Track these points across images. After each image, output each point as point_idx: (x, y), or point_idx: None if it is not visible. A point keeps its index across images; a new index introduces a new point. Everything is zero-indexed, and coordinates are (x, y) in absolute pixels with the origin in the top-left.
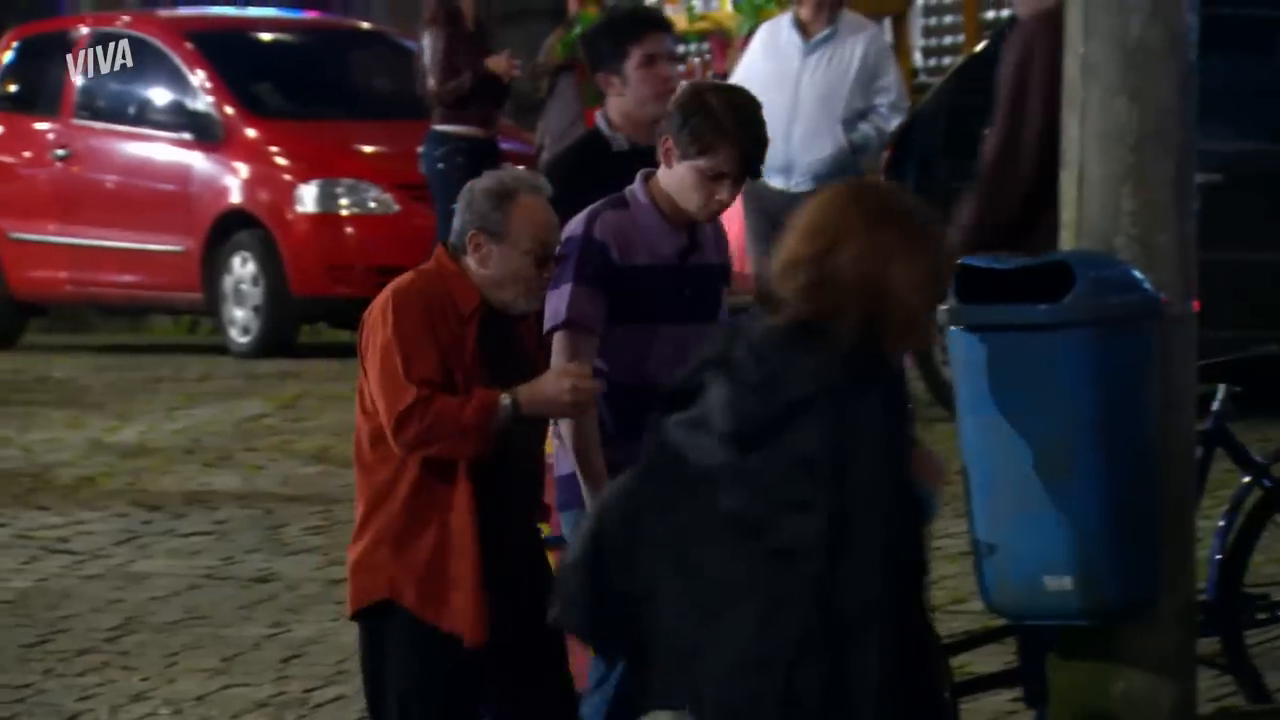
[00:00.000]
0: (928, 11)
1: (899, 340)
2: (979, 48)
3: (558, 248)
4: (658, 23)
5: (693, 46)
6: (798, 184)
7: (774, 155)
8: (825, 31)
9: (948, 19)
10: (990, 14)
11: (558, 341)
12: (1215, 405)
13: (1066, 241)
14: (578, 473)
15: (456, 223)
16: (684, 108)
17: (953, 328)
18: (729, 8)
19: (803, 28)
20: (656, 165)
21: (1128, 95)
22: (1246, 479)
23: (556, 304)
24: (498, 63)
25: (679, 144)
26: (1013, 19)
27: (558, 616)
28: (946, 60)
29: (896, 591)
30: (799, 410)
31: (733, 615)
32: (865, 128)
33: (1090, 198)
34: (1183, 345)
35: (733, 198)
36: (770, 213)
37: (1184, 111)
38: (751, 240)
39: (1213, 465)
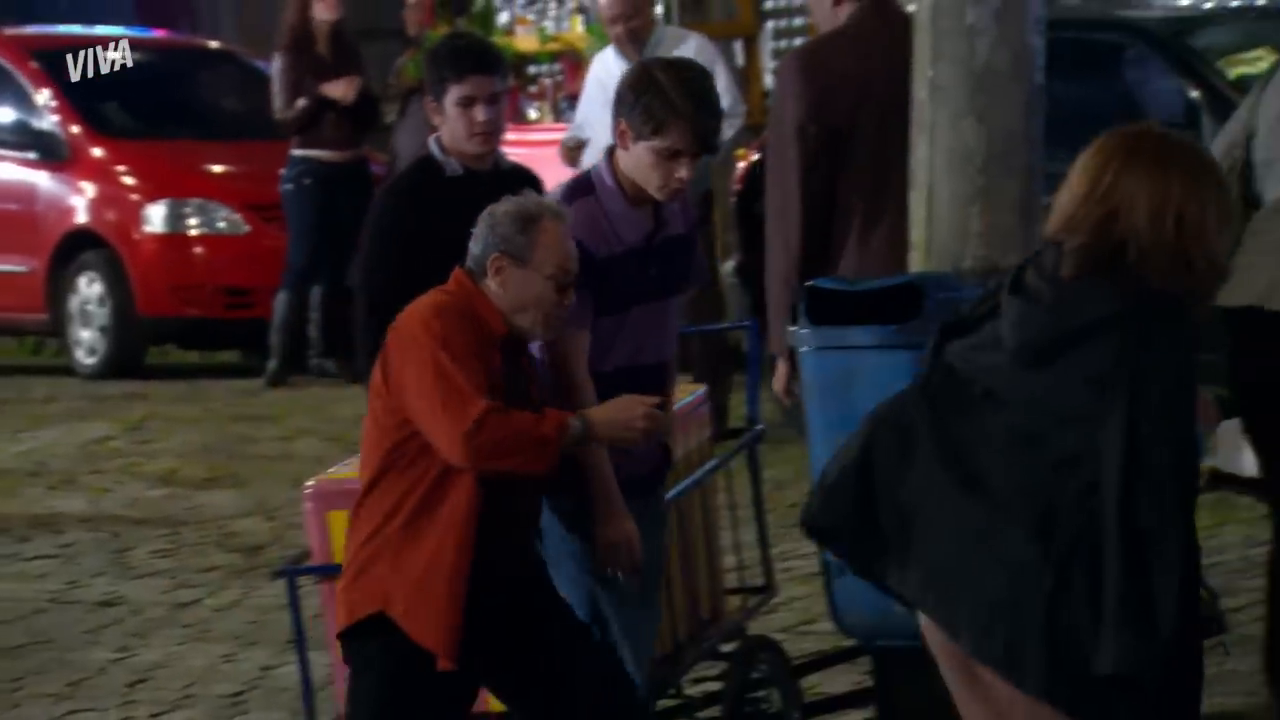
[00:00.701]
0: (778, 34)
1: (1200, 281)
2: None
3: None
4: (481, 64)
5: (545, 68)
6: None
7: None
8: (646, 51)
9: (798, 41)
10: None
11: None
12: None
13: (916, 262)
14: (593, 485)
15: (476, 247)
16: (634, 87)
17: (804, 349)
18: (580, 29)
19: (625, 54)
20: (489, 189)
21: (975, 117)
22: None
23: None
24: (334, 88)
25: (632, 125)
26: None
27: (812, 519)
28: None
29: (1187, 509)
30: (1095, 329)
31: (1008, 524)
32: None
33: (939, 219)
34: None
35: (692, 173)
36: None
37: (1030, 134)
38: None
39: None
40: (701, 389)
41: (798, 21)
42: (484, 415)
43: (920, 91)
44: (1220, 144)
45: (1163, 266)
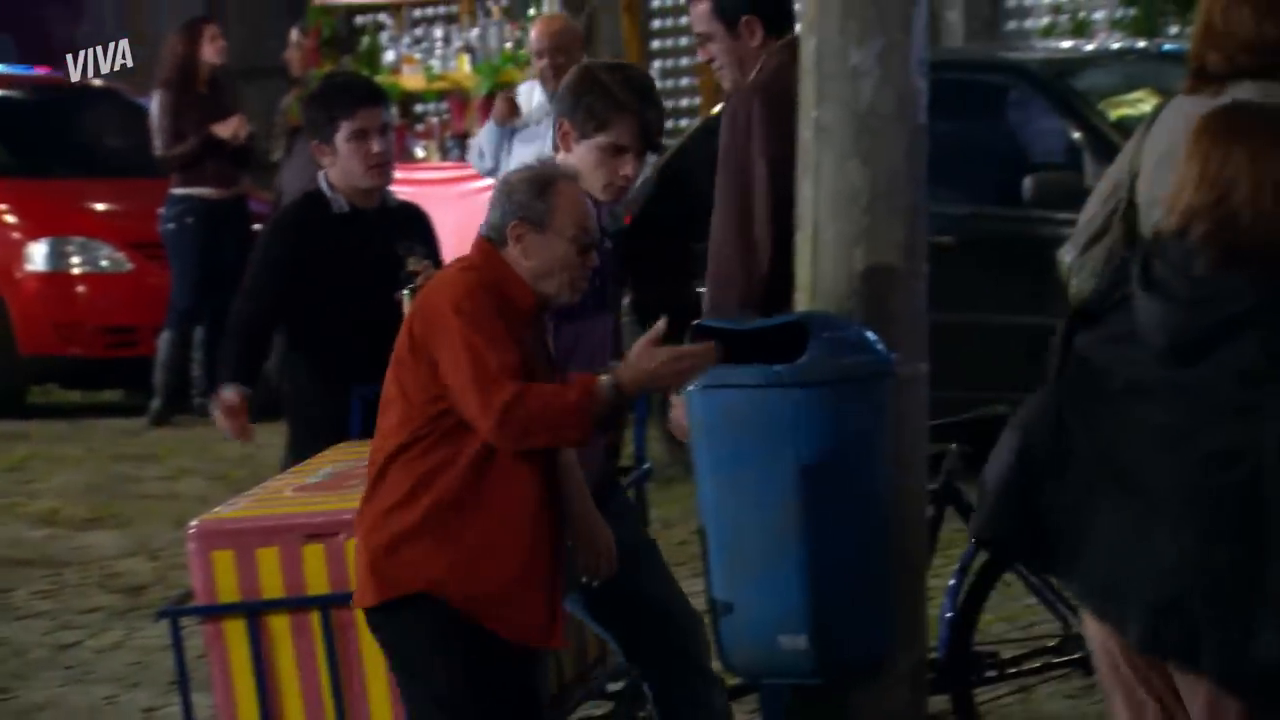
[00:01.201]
0: (665, 74)
1: None
2: (716, 110)
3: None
4: (370, 96)
5: (431, 106)
6: None
7: None
8: None
9: (684, 81)
10: None
11: None
12: (946, 465)
13: (802, 302)
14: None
15: (495, 215)
16: (575, 88)
17: (690, 388)
18: (467, 68)
19: (547, 89)
20: (374, 227)
21: (860, 158)
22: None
23: None
24: (224, 128)
25: (575, 125)
26: None
27: (982, 530)
28: (684, 122)
29: None
30: (1238, 323)
31: (1169, 519)
32: None
33: (824, 259)
34: (914, 405)
35: (636, 172)
36: None
37: (914, 174)
38: None
39: (943, 524)
40: None
41: (684, 61)
42: (513, 399)
43: (805, 133)
44: (1105, 185)
45: (1273, 238)
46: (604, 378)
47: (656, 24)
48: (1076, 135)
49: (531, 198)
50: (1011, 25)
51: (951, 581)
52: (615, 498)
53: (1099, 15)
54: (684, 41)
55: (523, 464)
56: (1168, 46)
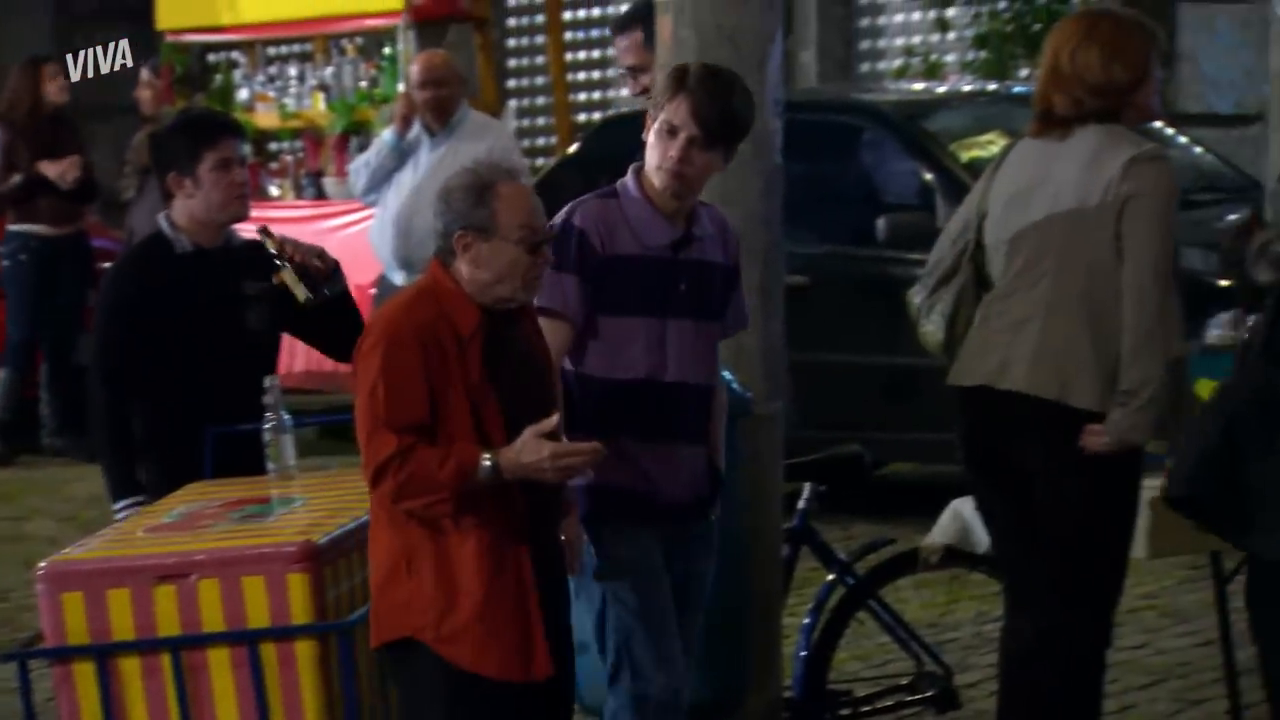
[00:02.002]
0: (521, 113)
1: None
2: (571, 149)
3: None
4: (231, 127)
5: (285, 144)
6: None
7: (395, 250)
8: (446, 129)
9: (540, 120)
10: (581, 116)
11: None
12: (801, 504)
13: None
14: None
15: (439, 225)
16: (665, 78)
17: None
18: (321, 106)
19: (425, 121)
20: (219, 265)
21: (716, 199)
22: (830, 577)
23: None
24: (52, 167)
25: (652, 110)
26: (605, 122)
27: (1182, 491)
28: (540, 160)
29: None
30: None
31: None
32: None
33: None
34: (769, 444)
35: (683, 155)
36: None
37: (770, 215)
38: None
39: (798, 563)
40: None
41: (540, 100)
42: (389, 459)
43: None
44: (953, 226)
45: None
46: (486, 457)
47: (512, 63)
48: (929, 176)
49: (471, 205)
50: (865, 67)
51: (806, 620)
52: (703, 521)
53: (950, 58)
54: (540, 81)
55: (484, 503)
56: (1018, 89)
